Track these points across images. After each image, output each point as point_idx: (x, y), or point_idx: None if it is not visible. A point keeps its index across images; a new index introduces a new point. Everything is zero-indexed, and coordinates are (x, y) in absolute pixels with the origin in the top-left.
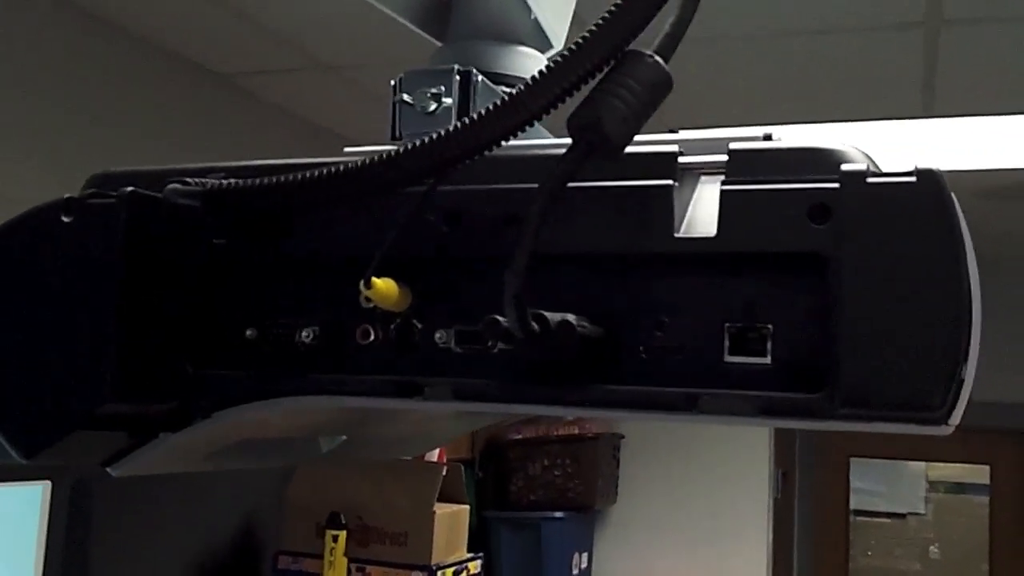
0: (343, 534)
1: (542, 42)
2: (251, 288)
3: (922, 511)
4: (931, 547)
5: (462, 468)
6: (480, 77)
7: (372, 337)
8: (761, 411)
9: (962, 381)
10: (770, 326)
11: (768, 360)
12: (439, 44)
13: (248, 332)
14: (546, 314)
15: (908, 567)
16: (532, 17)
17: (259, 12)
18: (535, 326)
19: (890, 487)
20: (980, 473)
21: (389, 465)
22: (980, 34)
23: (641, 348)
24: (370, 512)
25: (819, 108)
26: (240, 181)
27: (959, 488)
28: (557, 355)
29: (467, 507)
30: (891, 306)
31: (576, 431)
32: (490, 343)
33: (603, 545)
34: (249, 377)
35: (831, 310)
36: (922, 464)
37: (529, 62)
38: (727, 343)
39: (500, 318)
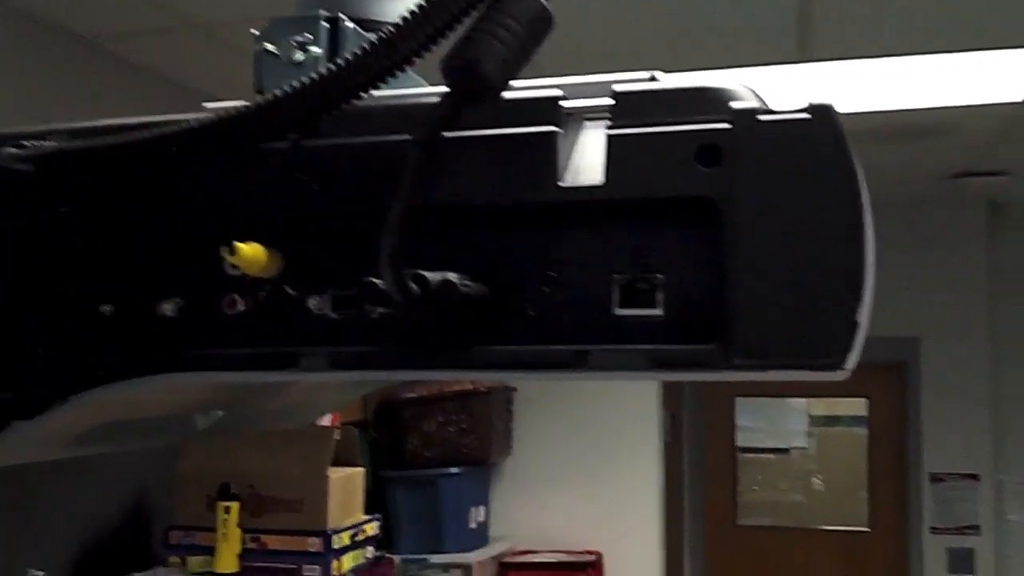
0: (235, 505)
1: None
2: (104, 260)
3: (804, 445)
4: (814, 479)
5: (355, 431)
6: (350, 24)
7: (240, 306)
8: (654, 365)
9: (858, 325)
10: (660, 276)
11: (659, 311)
12: None
13: (104, 308)
14: (426, 274)
15: (792, 499)
16: None
17: None
18: (414, 287)
19: (773, 424)
20: (858, 406)
21: (280, 432)
22: None
23: (528, 305)
24: (262, 481)
25: (692, 56)
26: (79, 143)
27: (839, 421)
28: (439, 317)
29: (361, 470)
30: (787, 251)
31: (469, 386)
32: (368, 308)
33: (500, 497)
34: (107, 356)
35: (724, 257)
36: (803, 400)
37: (401, 7)
38: (616, 295)
39: (377, 281)
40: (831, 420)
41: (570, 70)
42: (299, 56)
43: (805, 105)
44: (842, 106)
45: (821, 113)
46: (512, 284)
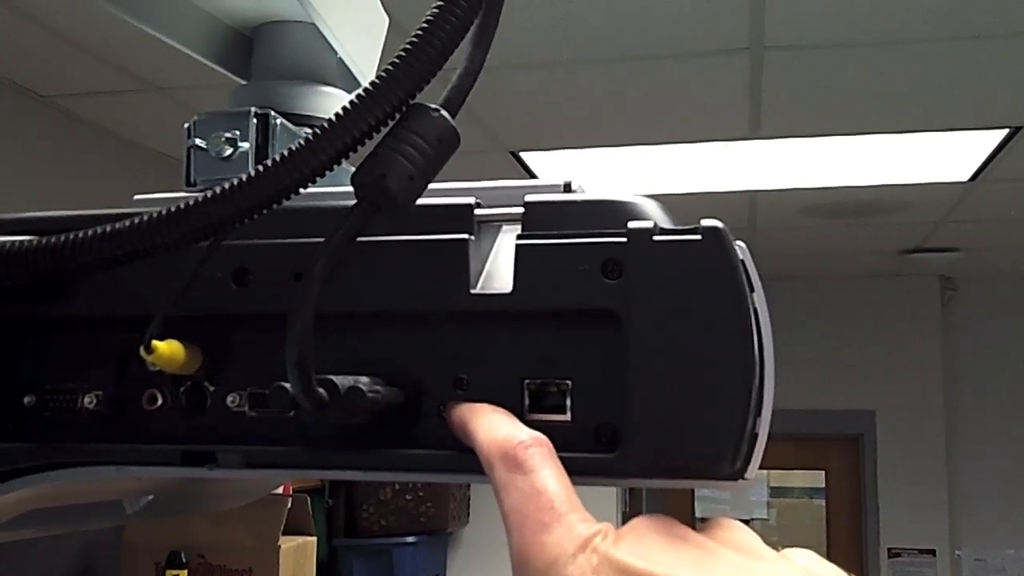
0: (184, 574)
1: (349, 81)
2: (27, 351)
3: (765, 516)
4: None
5: (308, 499)
6: (279, 120)
7: (160, 402)
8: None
9: (756, 435)
10: (568, 382)
11: (568, 417)
12: (242, 82)
13: (26, 399)
14: (335, 379)
15: None
16: (336, 56)
17: (83, 34)
18: (322, 393)
19: (734, 495)
20: (817, 478)
21: None
22: (800, 59)
23: (440, 407)
24: (212, 550)
25: (651, 130)
26: (7, 241)
27: (798, 493)
28: (348, 420)
29: (314, 539)
30: (679, 364)
31: None
32: (279, 408)
33: (456, 566)
34: (28, 448)
35: (624, 367)
36: (764, 471)
37: (333, 102)
38: (527, 400)
39: (287, 384)
40: (791, 492)
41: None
42: (228, 151)
43: (697, 226)
44: (793, 181)
45: (712, 234)
46: (425, 387)
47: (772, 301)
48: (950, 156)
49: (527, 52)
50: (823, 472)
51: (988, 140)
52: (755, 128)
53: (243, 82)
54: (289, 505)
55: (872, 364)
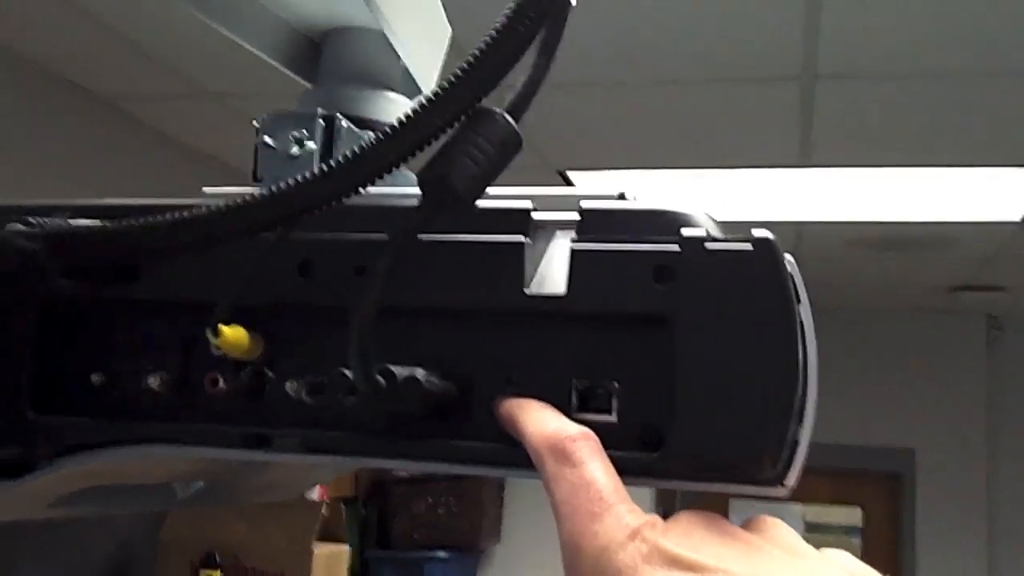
0: (218, 573)
1: (411, 88)
2: (98, 332)
3: None
4: None
5: (343, 507)
6: (345, 122)
7: (221, 385)
8: None
9: (796, 443)
10: (616, 384)
11: (614, 418)
12: (309, 86)
13: (94, 377)
14: (394, 369)
15: None
16: (401, 63)
17: (143, 36)
18: (381, 381)
19: None
20: (854, 515)
21: (267, 504)
22: (852, 89)
23: (491, 402)
24: (246, 552)
25: (699, 154)
26: (85, 224)
27: (834, 530)
28: (404, 410)
29: (347, 547)
30: (726, 369)
31: None
32: (338, 396)
33: None
34: (95, 424)
35: (672, 371)
36: (800, 506)
37: (396, 108)
38: (574, 400)
39: (348, 372)
40: (827, 528)
41: (590, 160)
42: (295, 150)
43: (749, 236)
44: (840, 214)
45: (762, 244)
46: (477, 382)
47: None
48: (1001, 194)
49: (579, 72)
50: (859, 510)
51: None
52: (805, 156)
53: (310, 86)
54: (324, 512)
55: (914, 401)
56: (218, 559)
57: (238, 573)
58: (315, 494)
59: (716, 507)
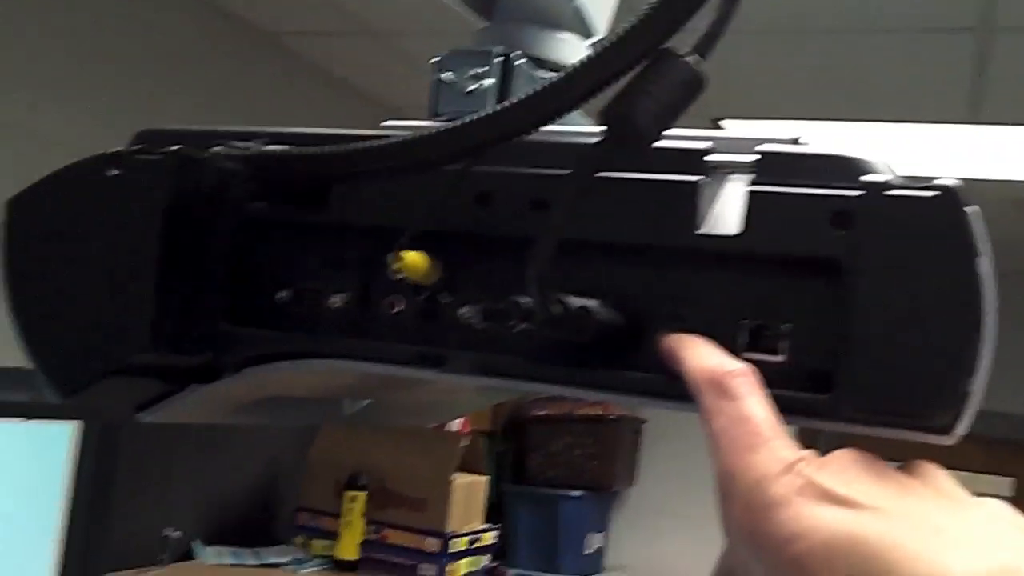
0: (362, 495)
1: (584, 29)
2: (286, 252)
3: None
4: None
5: (483, 439)
6: (521, 60)
7: (399, 307)
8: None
9: (968, 394)
10: (786, 325)
11: (782, 358)
12: (483, 23)
13: (281, 294)
14: (568, 298)
15: None
16: (574, 4)
17: None
18: (556, 309)
19: None
20: (1004, 486)
21: (411, 431)
22: None
23: (657, 337)
24: (390, 476)
25: (863, 106)
26: (284, 149)
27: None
28: (575, 338)
29: (485, 478)
30: (902, 316)
31: (599, 412)
32: (512, 322)
33: (619, 527)
34: (279, 337)
35: (845, 316)
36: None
37: (570, 49)
38: (743, 339)
39: (523, 299)
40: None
41: (750, 108)
42: (472, 86)
43: (932, 183)
44: (1010, 172)
45: (946, 192)
46: (644, 319)
47: None
48: None
49: (743, 18)
50: (1011, 479)
51: None
52: (974, 112)
53: (485, 23)
54: (465, 443)
55: None
56: (363, 481)
57: (381, 496)
58: (457, 426)
59: None
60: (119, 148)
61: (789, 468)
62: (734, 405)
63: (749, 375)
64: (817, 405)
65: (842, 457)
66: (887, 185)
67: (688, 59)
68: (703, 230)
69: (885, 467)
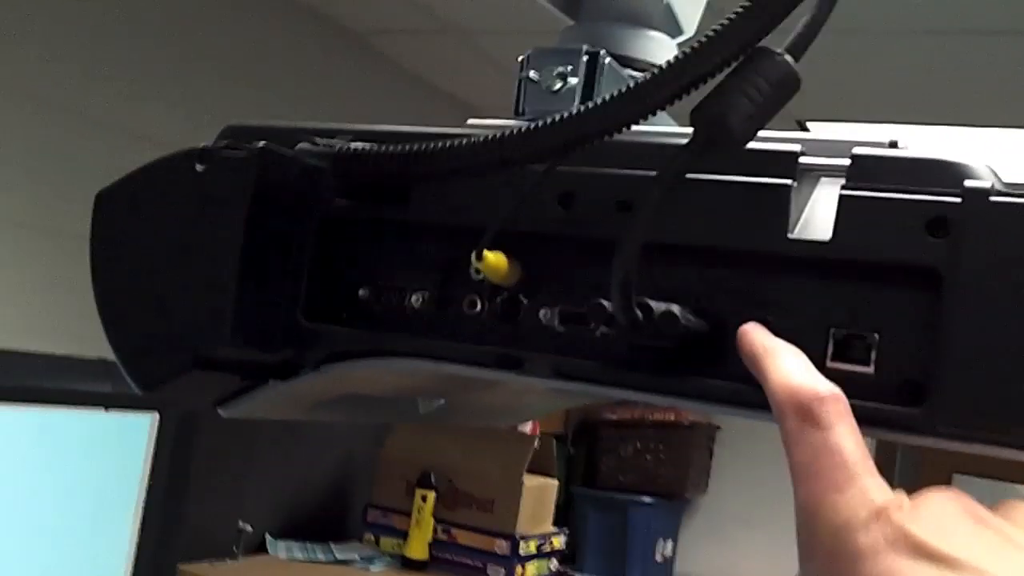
0: (432, 494)
1: (673, 28)
2: (368, 249)
3: None
4: None
5: (554, 442)
6: (608, 59)
7: (478, 308)
8: (858, 421)
9: None
10: (876, 335)
11: (871, 369)
12: (570, 22)
13: (361, 292)
14: (651, 303)
15: None
16: (664, 2)
17: None
18: (639, 314)
19: (993, 493)
20: None
21: (482, 432)
22: None
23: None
24: (460, 476)
25: (962, 111)
26: (368, 146)
27: None
28: (658, 343)
29: (555, 481)
30: (1003, 329)
31: (672, 417)
32: (593, 326)
33: (689, 535)
34: (358, 335)
35: (942, 327)
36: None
37: (658, 47)
38: (830, 348)
39: (606, 303)
40: None
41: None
42: (558, 85)
43: None
44: None
45: None
46: (730, 324)
47: None
48: None
49: (835, 17)
50: None
51: None
52: None
53: (571, 22)
54: (536, 445)
55: None
56: (433, 480)
57: (451, 496)
58: (528, 428)
59: (938, 478)
60: (206, 144)
61: (878, 515)
62: (822, 436)
63: (840, 401)
64: (908, 419)
65: (936, 502)
66: (991, 191)
67: (785, 58)
68: (794, 235)
69: (982, 511)
